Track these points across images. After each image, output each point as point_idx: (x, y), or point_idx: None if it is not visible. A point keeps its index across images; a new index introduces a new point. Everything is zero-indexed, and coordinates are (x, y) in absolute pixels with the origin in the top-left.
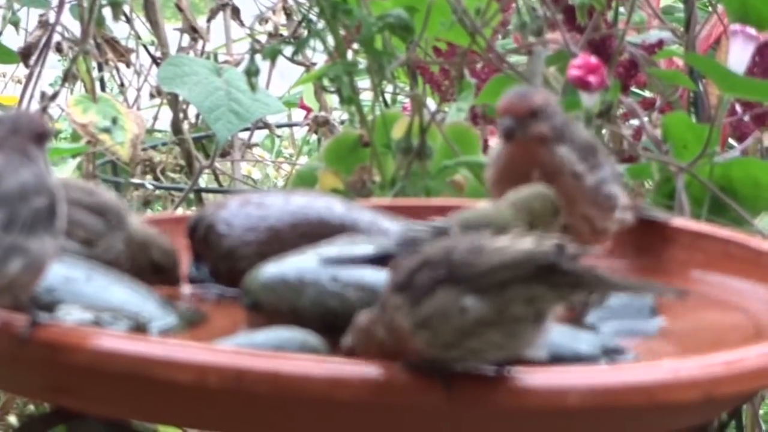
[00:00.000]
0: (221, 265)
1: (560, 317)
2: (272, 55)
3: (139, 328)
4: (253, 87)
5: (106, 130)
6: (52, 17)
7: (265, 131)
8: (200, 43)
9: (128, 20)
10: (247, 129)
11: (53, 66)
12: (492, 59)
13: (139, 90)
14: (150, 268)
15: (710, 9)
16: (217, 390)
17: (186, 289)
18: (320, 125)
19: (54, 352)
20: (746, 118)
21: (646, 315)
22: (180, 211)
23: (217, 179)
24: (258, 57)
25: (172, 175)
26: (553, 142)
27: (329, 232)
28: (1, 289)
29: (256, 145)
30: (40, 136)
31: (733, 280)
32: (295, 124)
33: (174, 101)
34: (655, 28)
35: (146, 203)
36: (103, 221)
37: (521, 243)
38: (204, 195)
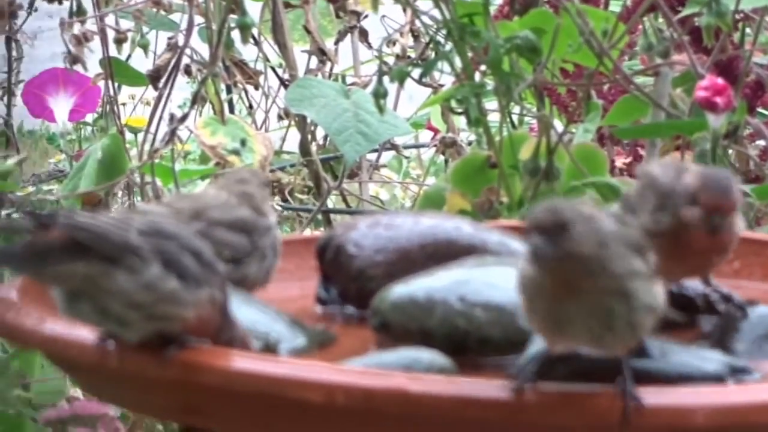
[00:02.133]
0: (350, 285)
1: (688, 338)
2: (400, 77)
3: (269, 348)
4: (380, 109)
5: (235, 152)
6: (180, 40)
7: (393, 152)
8: (328, 65)
9: (257, 42)
10: (375, 150)
11: (182, 88)
12: (619, 80)
13: (267, 112)
14: None
15: None
16: (345, 409)
17: (316, 309)
18: (447, 146)
19: (187, 372)
20: None
21: None
22: (308, 232)
23: (345, 200)
24: (386, 79)
25: (300, 196)
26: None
27: (457, 252)
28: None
29: (384, 166)
30: None
31: None
32: (423, 145)
33: (302, 123)
34: None
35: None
36: (246, 238)
37: None
38: (332, 216)
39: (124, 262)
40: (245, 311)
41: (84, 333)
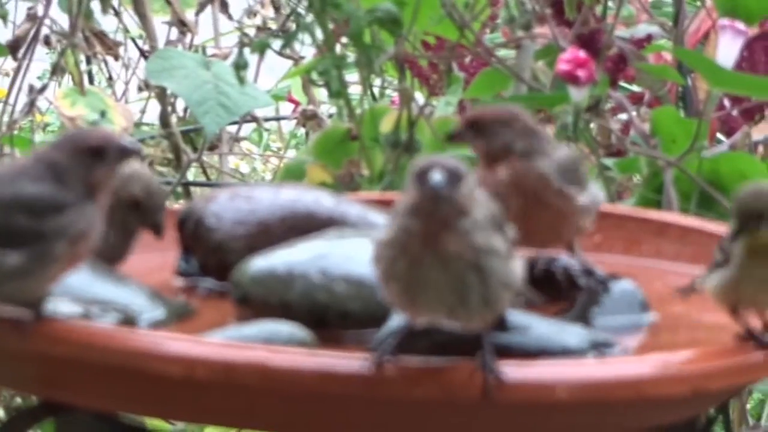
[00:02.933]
0: (210, 258)
1: (550, 312)
2: (261, 49)
3: (128, 321)
4: (241, 80)
5: (95, 123)
6: (40, 10)
7: (254, 125)
8: (188, 36)
9: (116, 13)
10: (235, 122)
11: (41, 59)
12: (481, 53)
13: (127, 83)
14: (128, 204)
15: (699, 4)
16: (205, 382)
17: (176, 282)
18: (308, 119)
19: (44, 344)
20: (734, 112)
21: (636, 309)
22: (168, 205)
23: (205, 173)
24: (246, 50)
25: (160, 168)
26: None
27: (318, 225)
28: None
29: (245, 138)
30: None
31: None
32: (284, 118)
33: (162, 94)
34: (644, 22)
35: None
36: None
37: None
38: (192, 188)
39: None
40: (104, 284)
41: None
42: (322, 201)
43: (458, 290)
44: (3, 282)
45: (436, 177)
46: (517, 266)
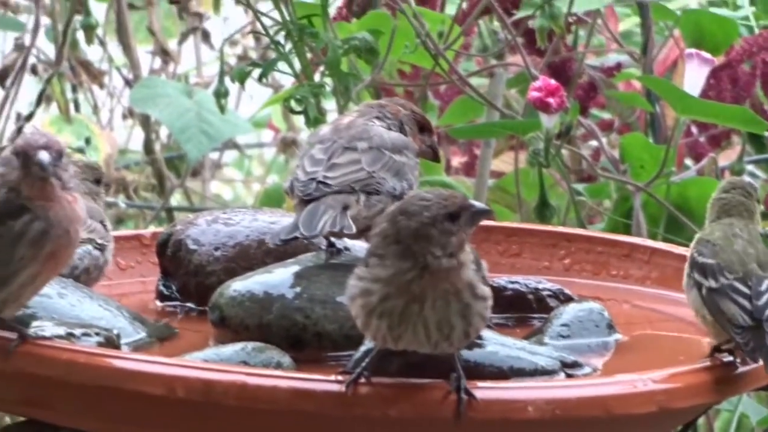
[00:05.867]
0: (190, 281)
1: (520, 334)
2: (241, 78)
3: (110, 342)
4: (222, 108)
5: (80, 150)
6: (27, 40)
7: (236, 151)
8: (171, 65)
9: (102, 43)
10: (217, 149)
11: (29, 87)
12: (455, 81)
13: (112, 111)
14: None
15: (667, 33)
16: (185, 402)
17: (157, 304)
18: (288, 145)
19: (28, 364)
20: (702, 139)
21: (603, 331)
22: (151, 229)
23: (188, 198)
24: (227, 79)
25: (144, 193)
26: None
27: (295, 249)
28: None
29: (227, 165)
30: None
31: None
32: (264, 145)
33: (146, 122)
34: (614, 51)
35: (119, 221)
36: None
37: None
38: (175, 213)
39: None
40: (88, 306)
41: None
42: None
43: (446, 328)
44: None
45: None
46: (489, 300)
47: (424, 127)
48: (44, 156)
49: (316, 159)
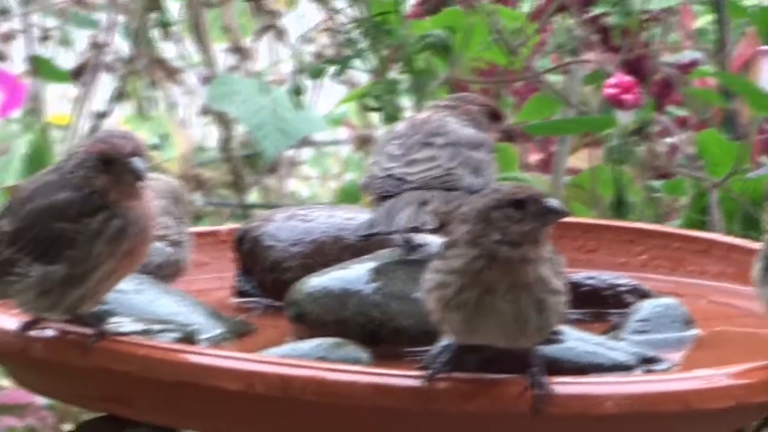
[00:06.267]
0: (267, 277)
1: (597, 329)
2: (317, 75)
3: (188, 338)
4: (297, 105)
5: (156, 147)
6: (103, 38)
7: (312, 149)
8: (247, 62)
9: (177, 41)
10: (293, 147)
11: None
12: (530, 78)
13: (188, 108)
14: None
15: (741, 30)
16: (263, 397)
17: (234, 300)
18: (364, 143)
19: (107, 360)
20: None
21: (681, 326)
22: (228, 226)
23: (265, 195)
24: (303, 76)
25: (221, 191)
26: None
27: (371, 245)
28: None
29: (303, 162)
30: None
31: None
32: (340, 142)
33: (222, 119)
34: (689, 48)
35: (196, 218)
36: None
37: None
38: (252, 210)
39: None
40: (165, 302)
41: (7, 321)
42: None
43: (520, 321)
44: (55, 294)
45: (553, 202)
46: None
47: (495, 115)
48: (139, 164)
49: (393, 155)
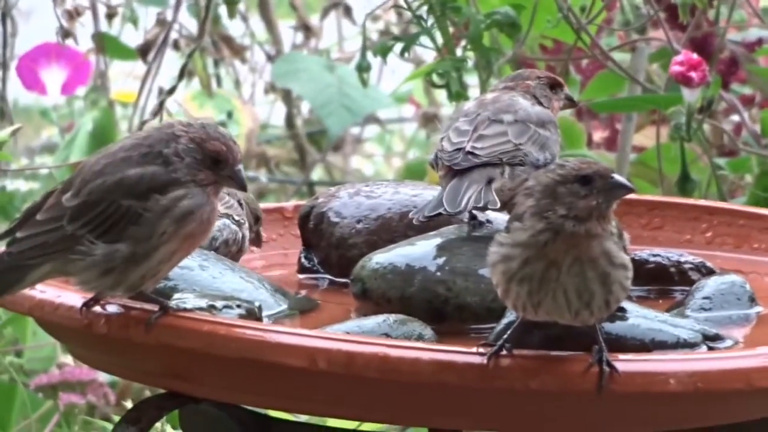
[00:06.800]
0: (332, 253)
1: (662, 306)
2: (383, 52)
3: (252, 314)
4: (364, 83)
5: (222, 125)
6: (169, 15)
7: (376, 127)
8: (313, 40)
9: (243, 18)
10: (358, 124)
11: (170, 62)
12: (597, 56)
13: (253, 86)
14: None
15: None
16: (327, 374)
17: (298, 277)
18: (429, 120)
19: (170, 337)
20: None
21: (745, 303)
22: (293, 202)
23: (329, 173)
24: (369, 54)
25: (285, 168)
26: None
27: (437, 222)
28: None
29: (368, 140)
30: None
31: None
32: (405, 120)
33: (287, 97)
34: (755, 26)
35: (260, 195)
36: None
37: None
38: (316, 188)
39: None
40: (229, 278)
41: (71, 298)
42: None
43: (585, 295)
44: (118, 273)
45: (619, 178)
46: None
47: (554, 85)
48: (243, 173)
49: (462, 130)
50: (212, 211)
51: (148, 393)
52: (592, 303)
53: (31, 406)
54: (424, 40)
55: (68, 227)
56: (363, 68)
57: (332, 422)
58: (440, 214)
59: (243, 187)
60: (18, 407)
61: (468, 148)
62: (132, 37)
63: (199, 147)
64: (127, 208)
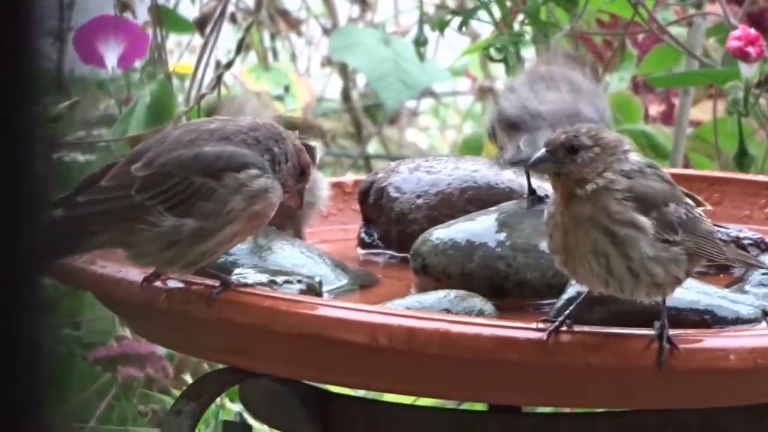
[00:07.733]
0: (392, 228)
1: (722, 281)
2: (440, 26)
3: (312, 290)
4: (420, 57)
5: (279, 98)
6: None
7: (432, 100)
8: (369, 14)
9: None
10: (414, 98)
11: (227, 36)
12: (654, 30)
13: (309, 59)
14: None
15: None
16: (387, 350)
17: (358, 252)
18: (484, 93)
19: (231, 312)
20: None
21: None
22: (353, 177)
23: (385, 146)
24: (426, 28)
25: (341, 141)
26: None
27: (497, 197)
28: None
29: (423, 113)
30: None
31: None
32: (460, 93)
33: (343, 70)
34: None
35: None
36: None
37: None
38: (372, 161)
39: (141, 219)
40: (290, 253)
41: (132, 273)
42: (502, 174)
43: (602, 258)
44: (181, 247)
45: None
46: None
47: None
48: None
49: (523, 94)
50: (278, 200)
51: (206, 366)
52: (613, 268)
53: (89, 378)
54: (482, 14)
55: (137, 197)
56: (420, 42)
57: (389, 396)
58: (522, 160)
59: (299, 206)
60: (76, 379)
61: (532, 108)
62: (189, 10)
63: (297, 155)
64: (200, 185)
